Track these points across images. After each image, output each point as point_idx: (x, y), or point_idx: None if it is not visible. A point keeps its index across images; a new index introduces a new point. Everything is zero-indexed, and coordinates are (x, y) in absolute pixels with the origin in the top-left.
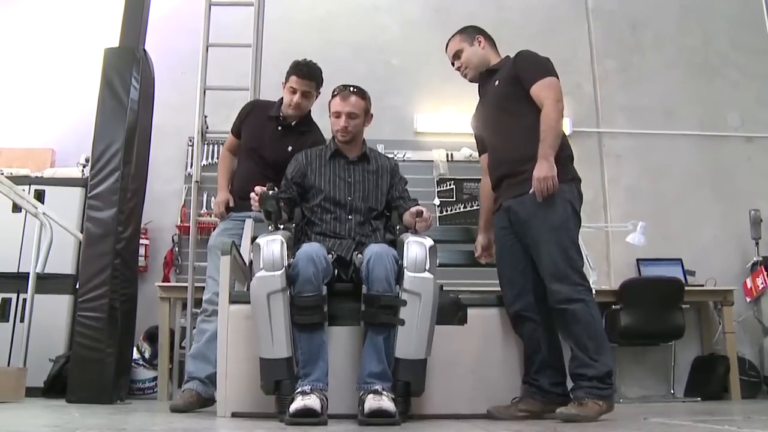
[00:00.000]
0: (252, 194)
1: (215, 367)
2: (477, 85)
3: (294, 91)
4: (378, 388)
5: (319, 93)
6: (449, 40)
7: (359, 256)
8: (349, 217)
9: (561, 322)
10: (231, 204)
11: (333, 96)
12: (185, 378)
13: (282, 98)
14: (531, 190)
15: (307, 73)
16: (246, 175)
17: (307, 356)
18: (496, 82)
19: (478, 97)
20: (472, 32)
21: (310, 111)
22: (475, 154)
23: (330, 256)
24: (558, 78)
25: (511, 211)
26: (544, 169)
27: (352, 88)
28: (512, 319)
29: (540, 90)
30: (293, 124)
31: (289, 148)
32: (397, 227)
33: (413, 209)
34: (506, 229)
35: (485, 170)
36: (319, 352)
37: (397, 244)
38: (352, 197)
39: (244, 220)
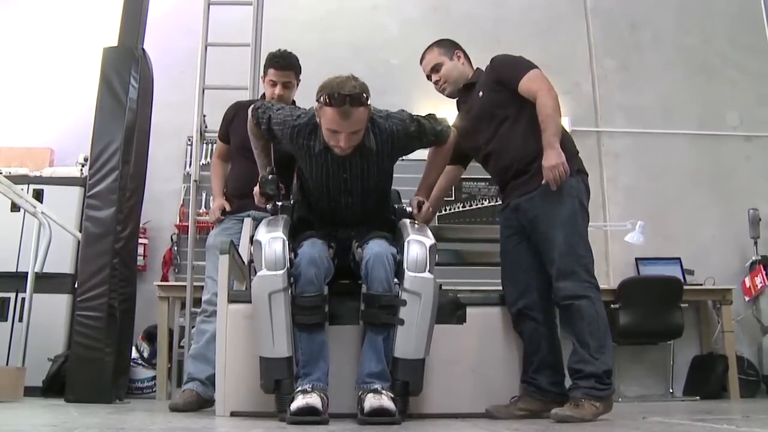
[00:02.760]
0: (255, 191)
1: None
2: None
3: (274, 84)
4: (378, 387)
5: (299, 80)
6: (425, 52)
7: (359, 250)
8: (346, 212)
9: (565, 317)
10: (227, 209)
11: (326, 104)
12: (185, 378)
13: (263, 94)
14: (543, 181)
15: (284, 63)
16: (241, 176)
17: (307, 356)
18: (480, 93)
19: (457, 112)
20: (450, 47)
21: (294, 101)
22: None
23: (330, 250)
24: (539, 68)
25: (520, 209)
26: (552, 157)
27: (350, 100)
28: (514, 317)
29: (529, 84)
30: None
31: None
32: (396, 207)
33: (414, 202)
34: (511, 228)
35: (439, 182)
36: (320, 352)
37: (396, 232)
38: (349, 192)
39: (243, 220)
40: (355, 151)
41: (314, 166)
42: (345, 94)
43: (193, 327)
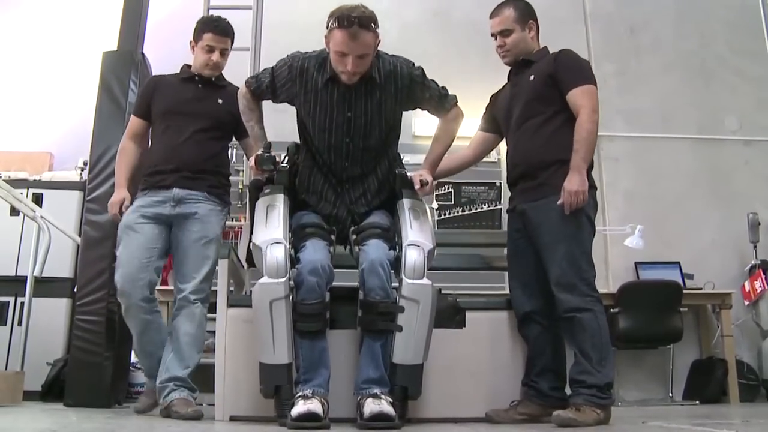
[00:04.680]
0: (251, 162)
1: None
2: (484, 76)
3: (211, 50)
4: (377, 392)
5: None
6: (500, 7)
7: (357, 249)
8: (346, 164)
9: (567, 329)
10: (127, 204)
11: (336, 27)
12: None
13: (186, 65)
14: (559, 202)
15: (224, 29)
16: (164, 148)
17: (308, 362)
18: (531, 77)
19: (507, 80)
20: (526, 14)
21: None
22: None
23: (331, 247)
24: (596, 86)
25: (525, 215)
26: (575, 183)
27: (359, 21)
28: (520, 320)
29: (577, 97)
30: (213, 80)
31: (219, 101)
32: (397, 172)
33: (416, 179)
34: (520, 232)
35: (472, 144)
36: (320, 359)
37: (394, 212)
38: (351, 137)
39: (164, 198)
40: (361, 80)
41: (318, 104)
42: (354, 16)
43: None
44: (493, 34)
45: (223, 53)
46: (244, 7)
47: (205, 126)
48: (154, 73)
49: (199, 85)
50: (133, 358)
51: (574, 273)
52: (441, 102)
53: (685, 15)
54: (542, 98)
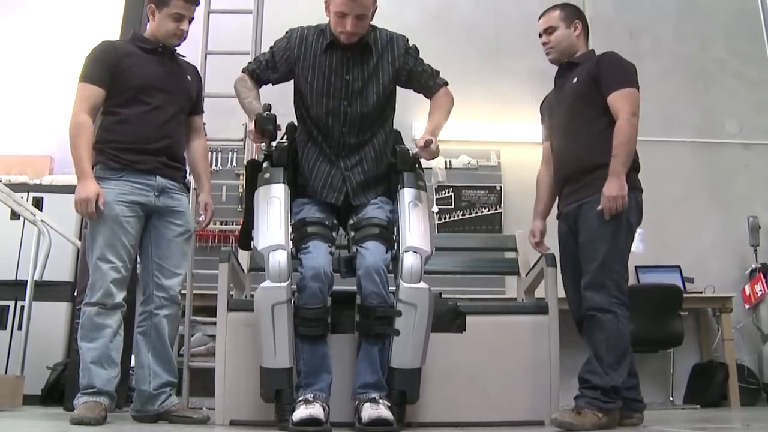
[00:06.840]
0: (250, 128)
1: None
2: (484, 79)
3: (181, 18)
4: (375, 397)
5: None
6: (549, 9)
7: (354, 249)
8: (344, 129)
9: (588, 327)
10: (103, 201)
11: None
12: (85, 385)
13: (136, 33)
14: (599, 207)
15: None
16: (140, 125)
17: (309, 367)
18: (575, 79)
19: (553, 84)
20: (572, 14)
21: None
22: (473, 161)
23: (332, 247)
24: (638, 89)
25: (569, 216)
26: (614, 188)
27: None
28: (578, 324)
29: (617, 100)
30: (174, 52)
31: (188, 78)
32: (398, 148)
33: (420, 142)
34: (567, 236)
35: (545, 158)
36: (322, 363)
37: (395, 200)
38: (348, 101)
39: (146, 186)
40: (359, 45)
41: (317, 69)
42: None
43: (193, 335)
44: (540, 34)
45: (189, 21)
46: (244, 11)
47: (181, 107)
48: None
49: (165, 58)
50: (133, 362)
51: (605, 273)
52: (433, 78)
53: (684, 19)
54: (585, 101)
